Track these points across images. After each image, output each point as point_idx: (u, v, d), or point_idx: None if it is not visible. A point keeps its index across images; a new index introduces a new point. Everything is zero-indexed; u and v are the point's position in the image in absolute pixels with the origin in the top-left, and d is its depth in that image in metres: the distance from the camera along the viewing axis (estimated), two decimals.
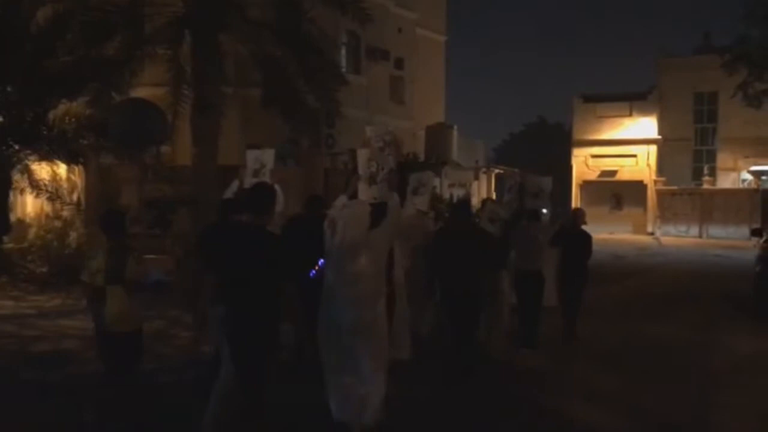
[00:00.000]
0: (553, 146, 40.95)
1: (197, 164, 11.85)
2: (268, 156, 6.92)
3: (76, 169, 13.64)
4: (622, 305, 11.37)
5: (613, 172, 31.48)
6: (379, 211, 5.01)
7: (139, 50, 11.45)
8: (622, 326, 9.49)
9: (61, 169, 13.56)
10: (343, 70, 21.24)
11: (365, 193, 5.54)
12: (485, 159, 31.84)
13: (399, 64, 22.96)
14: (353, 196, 5.50)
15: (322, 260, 5.28)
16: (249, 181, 6.45)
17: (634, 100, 31.83)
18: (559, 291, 8.43)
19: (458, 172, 19.77)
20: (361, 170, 5.79)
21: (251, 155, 6.96)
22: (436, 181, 11.90)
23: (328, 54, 12.74)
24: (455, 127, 24.20)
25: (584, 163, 32.29)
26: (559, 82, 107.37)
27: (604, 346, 8.25)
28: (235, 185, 6.23)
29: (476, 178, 23.61)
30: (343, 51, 20.67)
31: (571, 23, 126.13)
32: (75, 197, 13.45)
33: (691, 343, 8.58)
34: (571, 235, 8.41)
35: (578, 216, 8.77)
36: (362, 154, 5.86)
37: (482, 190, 24.44)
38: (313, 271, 5.65)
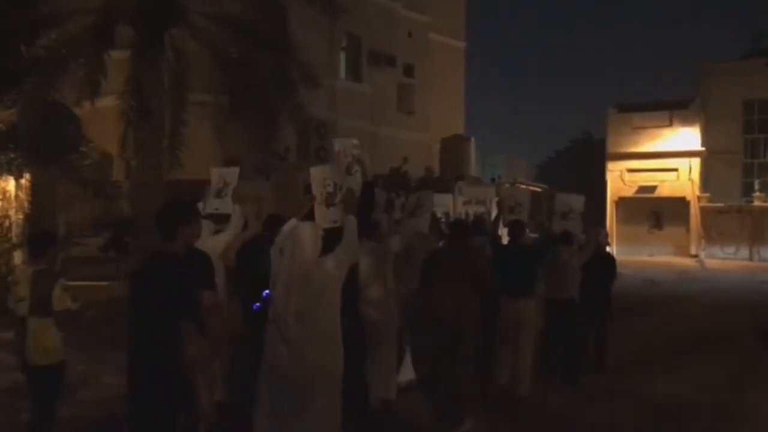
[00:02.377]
0: (595, 162, 38.69)
1: (138, 179, 10.44)
2: (232, 174, 6.43)
3: (23, 185, 12.40)
4: (638, 347, 9.26)
5: (652, 188, 28.86)
6: (334, 237, 4.54)
7: (71, 49, 10.05)
8: (629, 380, 7.44)
9: (10, 185, 12.46)
10: (342, 76, 19.78)
11: (323, 216, 4.90)
12: (527, 177, 29.91)
13: (408, 71, 21.25)
14: (307, 218, 4.89)
15: (266, 291, 4.70)
16: (211, 202, 6.21)
17: (674, 109, 29.12)
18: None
19: (476, 188, 17.96)
20: (315, 190, 5.07)
21: (215, 174, 6.50)
22: (449, 198, 10.47)
23: (298, 52, 11.07)
24: (472, 138, 22.29)
25: (620, 178, 29.75)
26: (606, 98, 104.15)
27: (596, 412, 6.26)
28: (199, 206, 5.65)
29: (498, 194, 21.69)
30: (342, 56, 19.09)
31: (618, 35, 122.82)
32: (20, 217, 12.22)
33: (715, 408, 6.52)
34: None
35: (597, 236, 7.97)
36: (316, 172, 5.11)
37: None
38: (257, 304, 5.14)
